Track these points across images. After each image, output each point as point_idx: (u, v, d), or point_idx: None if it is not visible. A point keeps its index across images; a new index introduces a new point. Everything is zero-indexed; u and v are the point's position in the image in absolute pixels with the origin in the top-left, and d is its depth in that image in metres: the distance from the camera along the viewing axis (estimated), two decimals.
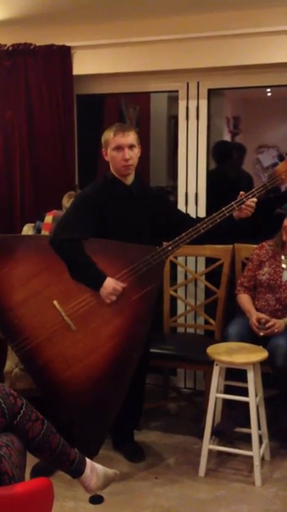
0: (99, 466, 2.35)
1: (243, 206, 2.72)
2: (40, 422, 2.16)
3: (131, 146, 2.80)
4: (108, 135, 2.83)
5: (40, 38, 3.64)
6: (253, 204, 2.74)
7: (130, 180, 2.89)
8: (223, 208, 2.72)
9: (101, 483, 2.34)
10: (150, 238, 2.80)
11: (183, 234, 2.71)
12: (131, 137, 2.81)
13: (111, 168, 2.88)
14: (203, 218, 2.79)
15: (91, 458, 2.39)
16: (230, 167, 4.36)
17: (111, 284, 2.70)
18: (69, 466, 2.25)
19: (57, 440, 2.20)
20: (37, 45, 3.65)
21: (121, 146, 2.79)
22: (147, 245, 2.74)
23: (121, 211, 2.83)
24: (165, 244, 2.75)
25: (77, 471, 2.27)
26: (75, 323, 2.74)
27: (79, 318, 2.74)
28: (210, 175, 3.82)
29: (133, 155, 2.82)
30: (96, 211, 2.79)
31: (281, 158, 2.81)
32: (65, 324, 2.75)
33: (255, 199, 2.73)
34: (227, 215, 2.71)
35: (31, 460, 2.33)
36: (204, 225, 2.71)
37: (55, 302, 2.76)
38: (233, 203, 2.72)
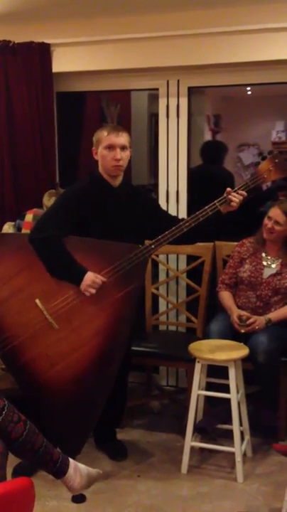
0: (82, 466, 2.35)
1: (229, 199, 2.71)
2: (23, 423, 2.14)
3: (123, 147, 2.77)
4: (101, 133, 2.79)
5: (19, 35, 3.61)
6: (240, 196, 2.73)
7: (117, 182, 2.85)
8: (206, 207, 2.72)
9: (84, 482, 2.33)
10: (133, 238, 2.78)
11: (166, 232, 2.70)
12: (123, 138, 2.78)
13: (100, 168, 2.83)
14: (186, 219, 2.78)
15: (73, 457, 2.39)
16: (214, 165, 4.37)
17: (89, 277, 2.67)
18: (52, 466, 2.24)
19: (40, 441, 2.19)
20: (16, 42, 3.62)
21: (113, 146, 2.75)
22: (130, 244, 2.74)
23: (105, 212, 2.80)
24: (147, 242, 2.75)
25: (60, 472, 2.26)
26: (58, 321, 2.73)
27: (62, 317, 2.73)
28: (192, 173, 3.82)
29: (125, 156, 2.79)
30: (79, 210, 2.76)
31: (263, 157, 2.80)
32: (47, 323, 2.73)
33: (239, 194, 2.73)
34: (210, 213, 2.71)
35: (13, 460, 2.32)
36: (187, 224, 2.71)
37: (37, 301, 2.74)
38: (216, 201, 2.72)
